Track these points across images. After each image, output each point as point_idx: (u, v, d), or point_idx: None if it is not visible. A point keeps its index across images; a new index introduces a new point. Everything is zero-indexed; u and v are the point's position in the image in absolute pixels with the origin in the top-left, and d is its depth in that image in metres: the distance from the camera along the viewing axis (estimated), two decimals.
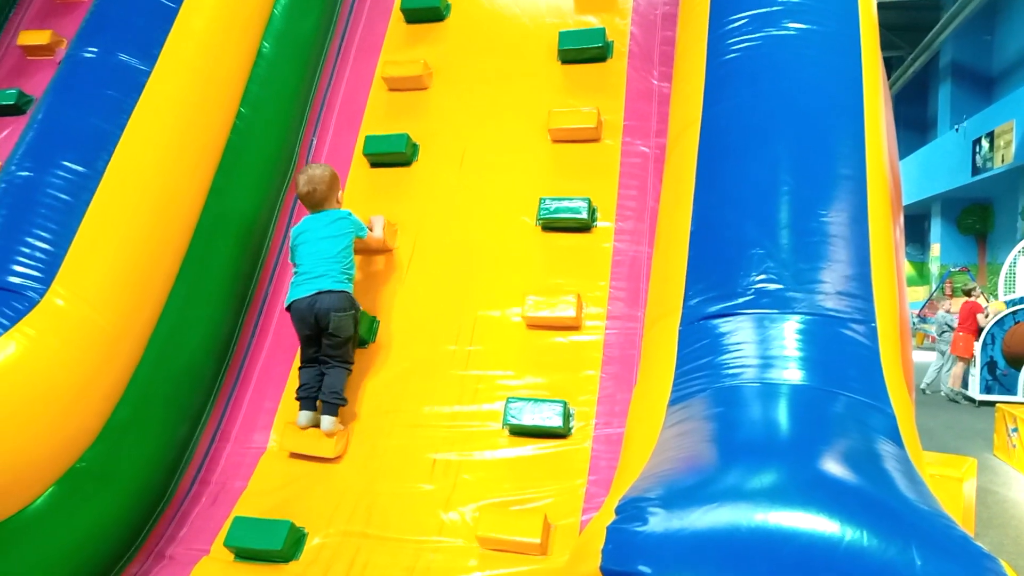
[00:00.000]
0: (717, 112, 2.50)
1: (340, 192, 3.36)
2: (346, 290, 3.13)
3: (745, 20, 2.54)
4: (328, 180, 3.23)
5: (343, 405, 3.10)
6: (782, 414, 1.74)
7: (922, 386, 11.76)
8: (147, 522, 2.98)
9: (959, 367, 11.01)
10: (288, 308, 3.15)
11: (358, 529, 2.85)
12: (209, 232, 3.31)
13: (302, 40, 4.00)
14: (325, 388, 3.08)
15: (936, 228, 21.96)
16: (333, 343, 3.09)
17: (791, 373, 1.87)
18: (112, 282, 2.80)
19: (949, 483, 4.52)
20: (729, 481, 1.49)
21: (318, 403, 3.12)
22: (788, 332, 1.97)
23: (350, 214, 3.28)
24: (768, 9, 2.52)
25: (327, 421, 3.05)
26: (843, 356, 1.92)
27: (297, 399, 3.13)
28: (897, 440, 1.70)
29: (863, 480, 1.46)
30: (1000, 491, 6.53)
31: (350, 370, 3.17)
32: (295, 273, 3.20)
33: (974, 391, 10.74)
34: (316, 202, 3.22)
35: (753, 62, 2.48)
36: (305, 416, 3.09)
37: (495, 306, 3.33)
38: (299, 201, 3.40)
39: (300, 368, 3.18)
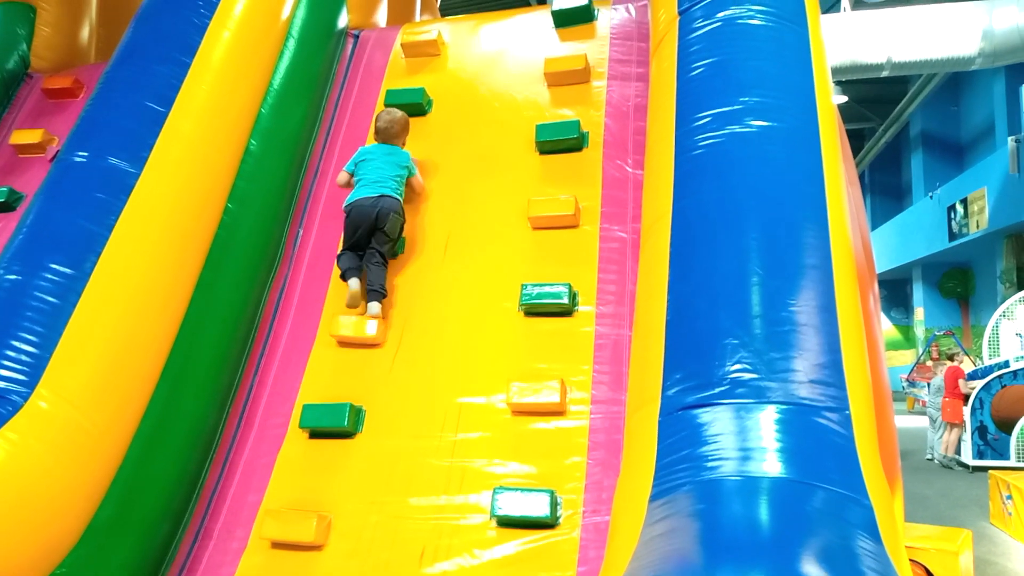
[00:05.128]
0: (686, 205, 2.61)
1: (405, 138, 3.99)
2: (400, 200, 3.75)
3: (709, 118, 2.68)
4: (403, 123, 3.96)
5: (385, 296, 3.63)
6: (763, 512, 1.76)
7: (927, 457, 11.71)
8: None
9: (953, 433, 10.97)
10: (349, 208, 3.71)
11: None
12: (195, 326, 3.34)
13: (288, 136, 4.12)
14: (372, 281, 3.61)
15: (918, 292, 22.25)
16: (382, 240, 3.67)
17: (770, 465, 1.90)
18: (97, 383, 2.81)
19: (945, 557, 4.48)
20: None
21: (362, 283, 3.63)
22: (765, 422, 2.00)
23: (409, 155, 3.92)
24: (731, 108, 2.66)
25: (373, 307, 3.58)
26: (819, 446, 1.95)
27: (342, 270, 3.67)
28: (875, 534, 1.72)
29: None
30: (999, 561, 6.43)
31: (387, 267, 3.73)
32: (357, 183, 3.78)
33: (967, 457, 10.68)
34: (389, 137, 3.90)
35: (719, 158, 2.60)
36: (355, 282, 3.61)
37: (479, 393, 3.35)
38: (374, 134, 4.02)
39: (340, 254, 3.72)
